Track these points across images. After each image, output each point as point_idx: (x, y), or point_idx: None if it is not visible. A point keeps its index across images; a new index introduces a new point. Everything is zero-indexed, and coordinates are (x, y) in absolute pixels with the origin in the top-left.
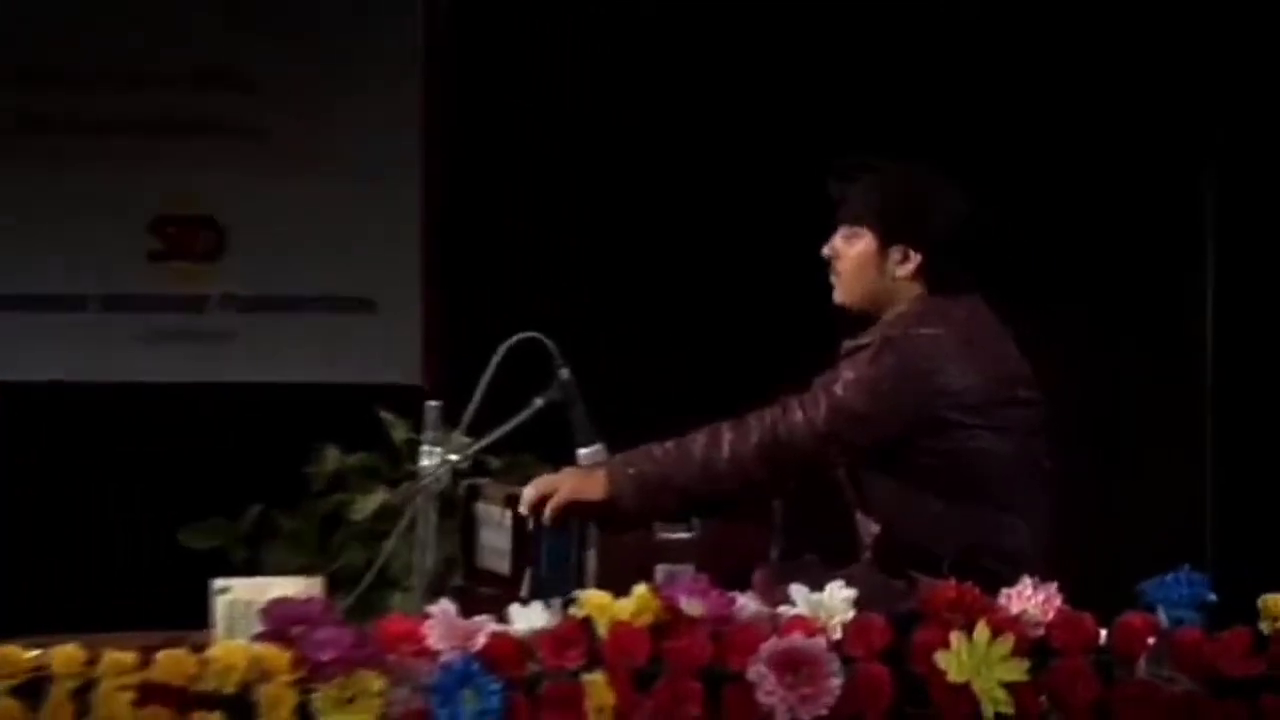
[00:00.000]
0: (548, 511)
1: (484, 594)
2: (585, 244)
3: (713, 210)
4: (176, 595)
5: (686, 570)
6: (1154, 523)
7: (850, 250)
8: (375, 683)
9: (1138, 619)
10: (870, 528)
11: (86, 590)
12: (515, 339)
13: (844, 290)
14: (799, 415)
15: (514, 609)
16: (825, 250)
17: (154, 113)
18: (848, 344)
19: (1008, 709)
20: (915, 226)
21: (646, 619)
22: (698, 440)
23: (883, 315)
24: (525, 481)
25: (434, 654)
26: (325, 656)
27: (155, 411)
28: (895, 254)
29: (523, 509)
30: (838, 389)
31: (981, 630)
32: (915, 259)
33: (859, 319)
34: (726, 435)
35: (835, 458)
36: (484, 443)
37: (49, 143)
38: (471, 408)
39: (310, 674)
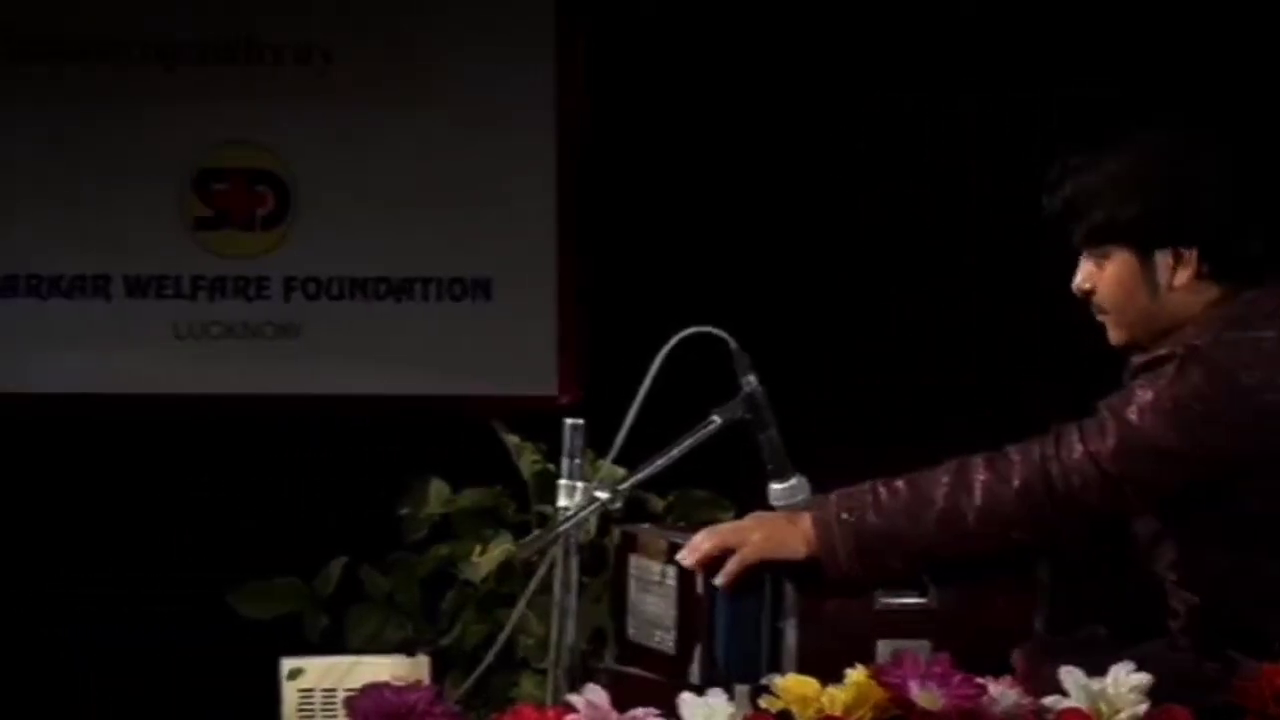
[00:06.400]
0: (726, 572)
1: (643, 678)
2: (775, 228)
3: (914, 195)
4: (232, 679)
5: (920, 648)
6: None
7: (1105, 275)
8: None
9: None
10: (1178, 594)
11: (113, 671)
12: (683, 334)
13: (1117, 327)
14: (1079, 450)
15: (685, 699)
16: (1076, 284)
17: (198, 35)
18: (1138, 359)
19: None
20: (1175, 219)
21: (866, 713)
22: (938, 480)
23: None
24: (697, 528)
25: None
26: None
27: (197, 433)
28: (1163, 260)
29: (686, 561)
30: (1131, 414)
31: None
32: (1190, 257)
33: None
34: (979, 475)
35: (1129, 506)
36: (643, 475)
37: (51, 73)
38: (625, 428)
39: None
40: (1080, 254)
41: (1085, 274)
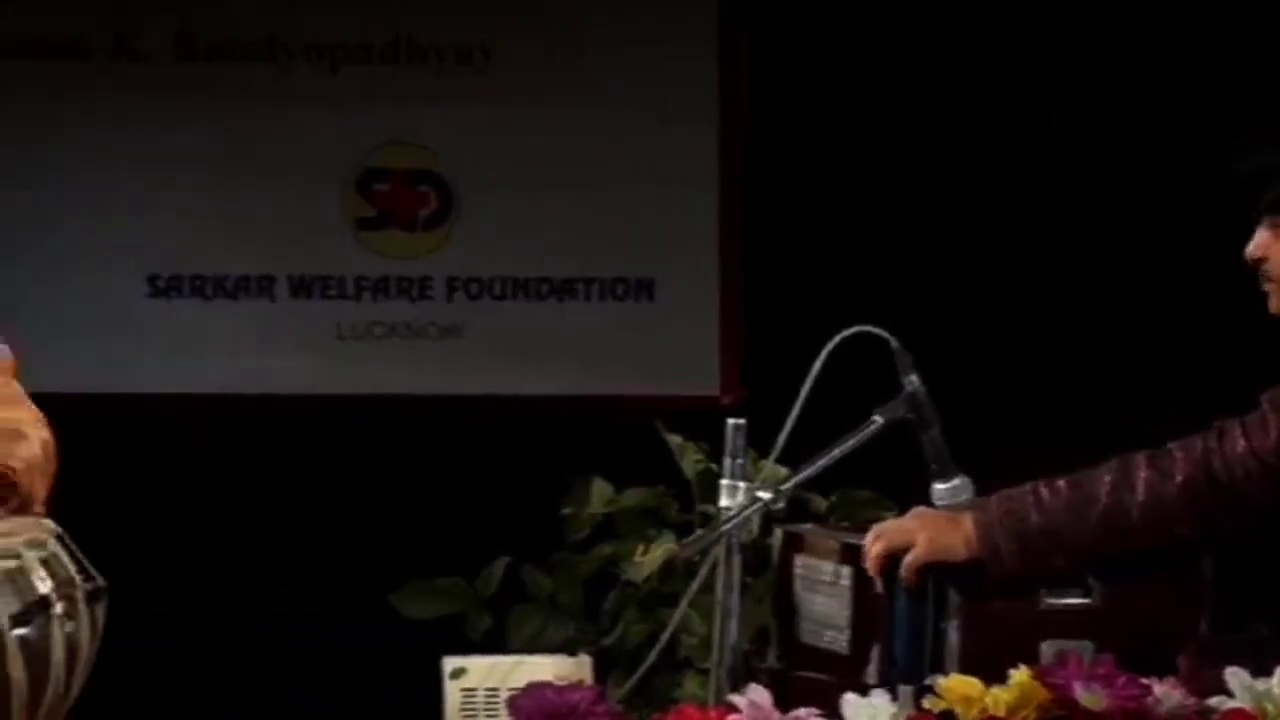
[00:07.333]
0: (904, 570)
1: (808, 678)
2: (940, 222)
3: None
4: (394, 678)
5: (1083, 648)
6: None
7: None
8: None
9: None
10: None
11: (276, 669)
12: (845, 334)
13: None
14: (1241, 445)
15: (848, 700)
16: (1250, 250)
17: (360, 36)
18: None
19: None
20: None
21: (1030, 713)
22: (1101, 479)
23: None
24: (862, 528)
25: None
26: None
27: (359, 433)
28: None
29: (869, 568)
30: None
31: None
32: None
33: None
34: (1141, 472)
35: None
36: (805, 475)
37: (216, 73)
38: (787, 428)
39: None
40: (1258, 222)
41: (1260, 242)
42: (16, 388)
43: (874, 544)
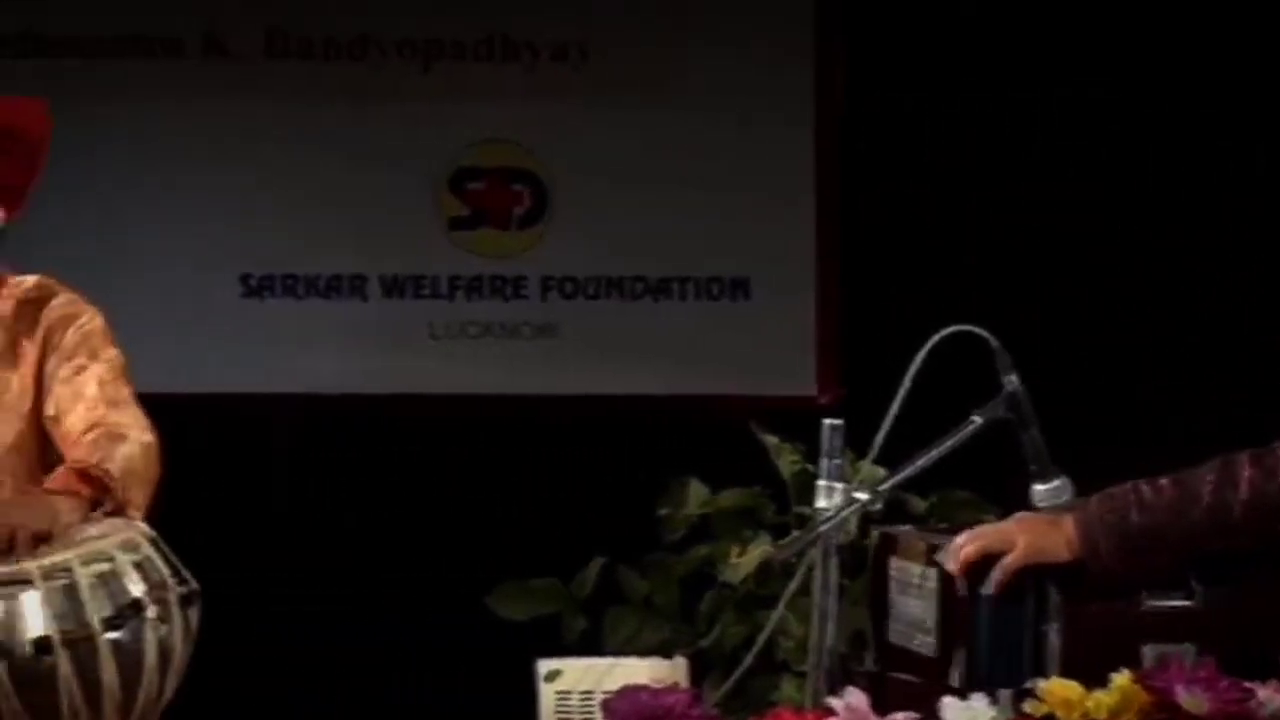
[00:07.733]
0: (994, 581)
1: (903, 681)
2: (1034, 224)
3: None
4: (487, 679)
5: (1185, 652)
6: None
7: None
8: None
9: None
10: None
11: (369, 668)
12: (944, 333)
13: None
14: None
15: (946, 703)
16: None
17: (454, 34)
18: None
19: None
20: None
21: (1131, 717)
22: (1204, 478)
23: None
24: (959, 529)
25: None
26: None
27: (454, 433)
28: None
29: (949, 566)
30: None
31: None
32: None
33: None
34: (1245, 471)
35: None
36: (903, 475)
37: (307, 71)
38: (885, 428)
39: None
40: None
41: None
42: (126, 391)
43: (969, 544)
